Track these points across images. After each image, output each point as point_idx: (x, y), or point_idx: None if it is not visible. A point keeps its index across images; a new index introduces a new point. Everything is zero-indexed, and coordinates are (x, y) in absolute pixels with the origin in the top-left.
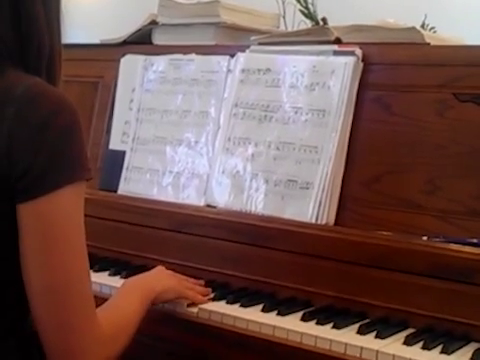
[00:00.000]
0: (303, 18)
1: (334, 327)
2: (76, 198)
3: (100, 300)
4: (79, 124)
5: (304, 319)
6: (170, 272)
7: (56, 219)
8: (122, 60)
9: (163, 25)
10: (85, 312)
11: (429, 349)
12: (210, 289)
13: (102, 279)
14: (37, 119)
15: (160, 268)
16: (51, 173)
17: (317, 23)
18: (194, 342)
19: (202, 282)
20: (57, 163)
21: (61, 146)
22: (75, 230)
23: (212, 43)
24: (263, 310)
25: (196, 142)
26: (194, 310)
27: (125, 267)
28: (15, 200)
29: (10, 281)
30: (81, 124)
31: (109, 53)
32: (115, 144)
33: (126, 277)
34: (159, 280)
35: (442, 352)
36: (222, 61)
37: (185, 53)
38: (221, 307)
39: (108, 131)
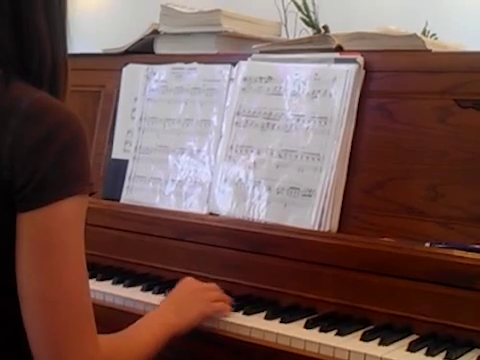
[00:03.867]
0: (304, 26)
1: (337, 334)
2: (76, 211)
3: (104, 309)
4: (83, 139)
5: (307, 326)
6: (197, 287)
7: (54, 231)
8: (124, 69)
9: (165, 34)
10: (79, 328)
11: (433, 355)
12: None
13: (105, 288)
14: (41, 132)
15: (188, 282)
16: (51, 185)
17: (318, 31)
18: (197, 349)
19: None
20: (58, 175)
21: (63, 159)
22: (73, 244)
23: (214, 52)
24: (266, 318)
25: (198, 150)
26: None
27: (128, 276)
28: (16, 210)
29: (9, 292)
30: (86, 140)
31: (111, 62)
32: (117, 153)
33: (129, 286)
34: (186, 312)
35: (446, 358)
36: (224, 70)
37: (187, 62)
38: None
39: (110, 140)
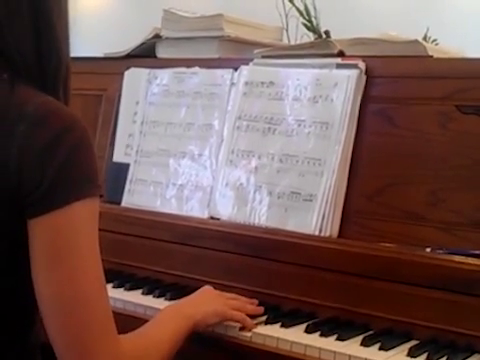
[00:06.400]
0: (306, 31)
1: (338, 339)
2: (86, 214)
3: None
4: (89, 142)
5: (308, 331)
6: (216, 293)
7: (65, 234)
8: (126, 73)
9: (167, 39)
10: (99, 330)
11: None
12: (263, 308)
13: None
14: (47, 136)
15: (206, 288)
16: (59, 189)
17: (320, 36)
18: (197, 353)
19: (255, 301)
20: (66, 179)
21: (70, 162)
22: (86, 246)
23: (215, 56)
24: (267, 322)
25: (200, 155)
26: None
27: (129, 279)
28: (25, 215)
29: (14, 294)
30: (92, 143)
31: (113, 66)
32: (119, 157)
33: (130, 289)
34: (201, 305)
35: None
36: (225, 74)
37: (189, 66)
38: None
39: (112, 144)
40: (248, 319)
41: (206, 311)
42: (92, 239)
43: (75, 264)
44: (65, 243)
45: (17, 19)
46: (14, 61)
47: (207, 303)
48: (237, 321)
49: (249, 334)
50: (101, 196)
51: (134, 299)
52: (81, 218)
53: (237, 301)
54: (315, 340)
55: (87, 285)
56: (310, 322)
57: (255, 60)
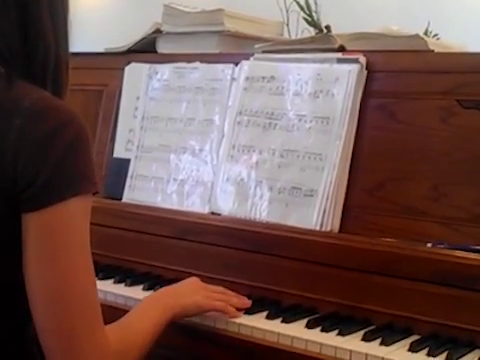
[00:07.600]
0: (307, 26)
1: (339, 334)
2: (81, 211)
3: (105, 308)
4: (86, 138)
5: (309, 326)
6: (201, 285)
7: (59, 231)
8: (126, 68)
9: (167, 33)
10: (88, 323)
11: (434, 356)
12: (250, 301)
13: (107, 287)
14: (44, 132)
15: (192, 280)
16: (56, 185)
17: (321, 31)
18: (198, 348)
19: (243, 297)
20: (62, 175)
21: (67, 158)
22: (78, 242)
23: (216, 51)
24: (268, 317)
25: (200, 150)
26: (198, 317)
27: (129, 275)
28: (20, 210)
29: (11, 287)
30: (89, 139)
31: (113, 61)
32: (119, 152)
33: (130, 285)
34: (181, 297)
35: (447, 359)
36: (226, 69)
37: (189, 61)
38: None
39: (112, 139)
40: (229, 307)
41: (186, 303)
42: (85, 236)
43: (69, 260)
44: (59, 239)
45: (3, 13)
46: (3, 55)
47: (188, 295)
48: (218, 311)
49: (249, 329)
50: (96, 193)
51: (135, 295)
52: (76, 215)
53: (222, 294)
54: (316, 335)
55: (79, 281)
56: (311, 317)
57: (256, 55)
